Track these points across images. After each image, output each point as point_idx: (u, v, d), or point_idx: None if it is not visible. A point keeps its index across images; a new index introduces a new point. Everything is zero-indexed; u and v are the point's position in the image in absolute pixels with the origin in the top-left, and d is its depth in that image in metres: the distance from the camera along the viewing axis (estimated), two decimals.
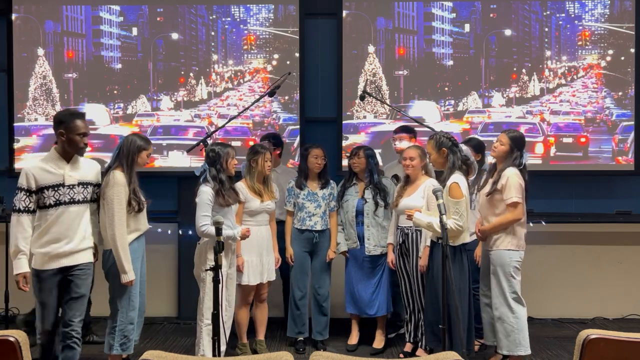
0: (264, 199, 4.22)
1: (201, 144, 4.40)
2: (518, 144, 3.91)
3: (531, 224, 4.78)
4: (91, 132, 5.39)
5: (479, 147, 4.41)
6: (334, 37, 5.46)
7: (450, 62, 5.42)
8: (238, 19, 5.44)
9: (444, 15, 5.41)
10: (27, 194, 3.33)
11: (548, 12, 5.41)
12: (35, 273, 3.40)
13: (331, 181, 4.59)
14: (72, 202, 3.42)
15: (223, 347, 3.50)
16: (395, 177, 4.63)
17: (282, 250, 4.50)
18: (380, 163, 4.88)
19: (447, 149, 3.79)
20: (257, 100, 4.97)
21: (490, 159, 4.22)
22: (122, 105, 5.44)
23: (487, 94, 5.42)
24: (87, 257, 3.51)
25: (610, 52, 5.38)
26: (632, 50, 5.33)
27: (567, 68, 5.41)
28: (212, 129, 5.19)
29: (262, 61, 5.44)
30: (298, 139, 5.34)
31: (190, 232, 5.06)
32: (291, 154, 5.38)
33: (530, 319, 5.15)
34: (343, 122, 5.41)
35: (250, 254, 4.19)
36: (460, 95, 5.41)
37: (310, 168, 4.49)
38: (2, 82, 5.47)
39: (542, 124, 5.39)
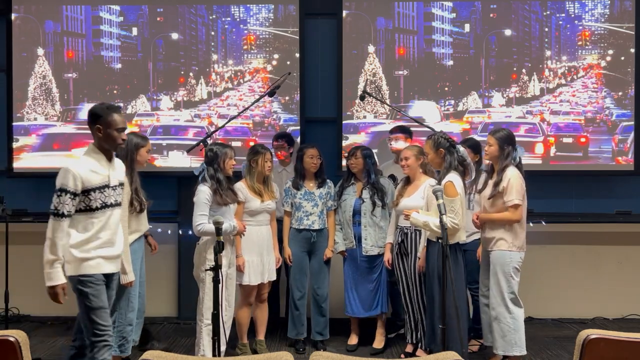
0: (264, 199, 4.23)
1: (201, 144, 4.40)
2: (506, 141, 3.92)
3: (531, 224, 4.78)
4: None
5: (476, 148, 4.41)
6: (334, 37, 5.46)
7: (450, 62, 5.42)
8: (238, 19, 5.44)
9: (444, 15, 5.41)
10: (72, 197, 3.00)
11: (548, 12, 5.41)
12: (83, 279, 3.06)
13: (328, 180, 4.59)
14: (116, 204, 3.18)
15: (223, 347, 3.50)
16: (392, 177, 4.63)
17: (282, 250, 4.51)
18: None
19: (445, 149, 3.81)
20: (257, 100, 4.97)
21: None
22: (122, 105, 5.43)
23: (487, 94, 5.41)
24: (120, 263, 3.32)
25: (610, 52, 5.38)
26: (632, 50, 5.33)
27: (567, 68, 5.41)
28: (212, 129, 5.19)
29: (262, 61, 5.44)
30: (298, 139, 5.33)
31: (190, 232, 5.05)
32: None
33: (530, 319, 5.18)
34: (343, 122, 5.41)
35: (251, 254, 4.20)
36: (460, 95, 5.41)
37: (307, 168, 4.50)
38: (2, 81, 5.46)
39: (542, 124, 5.39)
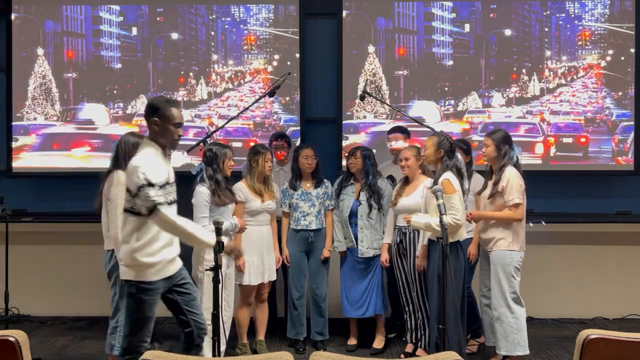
0: (264, 199, 4.23)
1: (201, 144, 4.40)
2: (502, 141, 3.93)
3: (531, 224, 4.78)
4: (91, 132, 5.46)
5: (467, 150, 4.41)
6: (334, 37, 5.46)
7: (450, 62, 5.42)
8: (238, 19, 5.44)
9: (444, 15, 5.41)
10: (159, 188, 2.87)
11: (548, 12, 5.41)
12: (143, 287, 2.92)
13: (325, 180, 4.59)
14: (174, 201, 3.04)
15: (223, 347, 3.49)
16: (390, 178, 4.63)
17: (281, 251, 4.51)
18: None
19: (445, 151, 3.82)
20: (257, 101, 4.97)
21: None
22: (122, 105, 5.44)
23: (487, 94, 5.41)
24: (179, 262, 3.17)
25: (610, 52, 5.38)
26: (632, 50, 5.33)
27: (567, 68, 5.40)
28: (212, 129, 5.19)
29: (263, 61, 5.44)
30: (299, 139, 5.33)
31: None
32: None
33: (530, 319, 5.17)
34: (343, 122, 5.41)
35: (251, 254, 4.19)
36: (460, 95, 5.41)
37: (302, 168, 4.50)
38: (2, 81, 5.47)
39: (542, 124, 5.38)
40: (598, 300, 5.45)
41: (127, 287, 2.95)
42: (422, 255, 3.99)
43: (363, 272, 4.44)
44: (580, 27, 5.41)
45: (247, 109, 5.01)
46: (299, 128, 5.38)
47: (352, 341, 4.62)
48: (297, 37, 5.40)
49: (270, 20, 5.44)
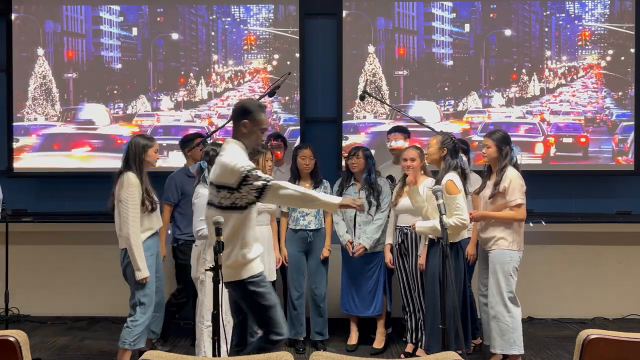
0: None
1: (201, 144, 4.40)
2: (503, 141, 3.95)
3: (531, 224, 4.78)
4: (91, 132, 5.46)
5: (466, 150, 4.41)
6: (334, 37, 5.46)
7: (450, 62, 5.42)
8: (238, 19, 5.44)
9: (444, 15, 5.41)
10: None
11: (548, 12, 5.41)
12: (254, 280, 2.99)
13: (324, 180, 4.59)
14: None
15: (224, 347, 3.49)
16: (390, 178, 4.63)
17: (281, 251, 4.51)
18: None
19: (448, 150, 3.81)
20: (257, 100, 4.96)
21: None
22: (122, 105, 5.44)
23: (487, 94, 5.41)
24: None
25: (610, 52, 5.38)
26: (632, 50, 5.33)
27: (567, 68, 5.41)
28: (212, 129, 5.19)
29: (262, 61, 5.44)
30: (298, 139, 5.33)
31: None
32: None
33: (530, 319, 5.18)
34: (343, 122, 5.41)
35: None
36: (460, 95, 5.41)
37: (300, 169, 4.51)
38: (2, 81, 5.47)
39: (542, 124, 5.39)
40: (598, 300, 5.45)
41: (240, 288, 2.98)
42: (424, 255, 3.99)
43: (366, 271, 4.45)
44: (580, 27, 5.41)
45: None
46: (298, 128, 5.38)
47: (353, 340, 4.61)
48: (297, 37, 5.40)
49: (270, 20, 5.44)
